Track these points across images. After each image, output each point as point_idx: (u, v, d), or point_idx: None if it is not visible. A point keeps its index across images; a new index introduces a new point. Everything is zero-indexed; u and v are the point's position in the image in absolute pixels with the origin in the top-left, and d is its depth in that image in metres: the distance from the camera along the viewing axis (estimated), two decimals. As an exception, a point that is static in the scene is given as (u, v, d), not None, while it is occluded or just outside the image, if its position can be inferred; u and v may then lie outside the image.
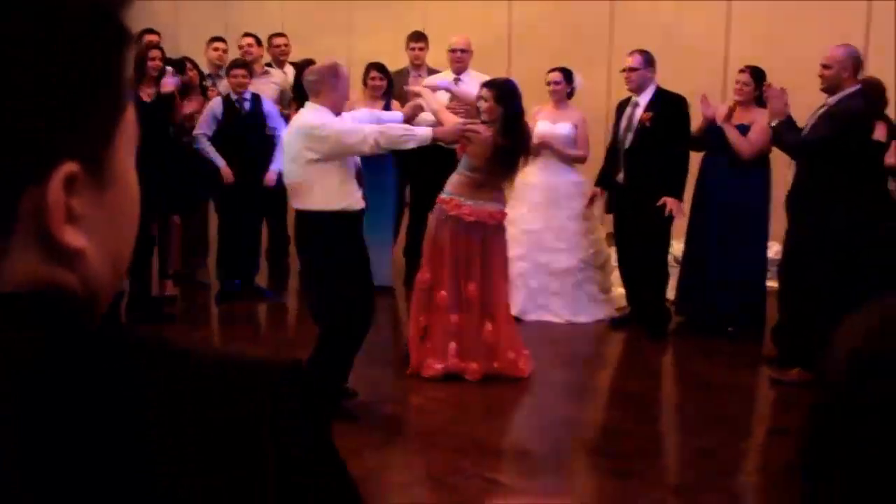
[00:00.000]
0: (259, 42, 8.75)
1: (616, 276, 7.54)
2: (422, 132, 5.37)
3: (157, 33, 8.09)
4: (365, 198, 5.30)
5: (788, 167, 6.30)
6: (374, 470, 4.65)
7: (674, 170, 6.81)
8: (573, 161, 7.50)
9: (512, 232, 6.70)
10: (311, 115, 5.09)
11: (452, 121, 5.87)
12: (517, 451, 5.10)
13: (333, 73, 5.11)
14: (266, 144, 7.70)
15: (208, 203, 8.28)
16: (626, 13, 9.36)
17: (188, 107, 7.56)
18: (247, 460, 0.75)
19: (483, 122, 5.80)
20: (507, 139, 5.76)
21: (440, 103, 6.27)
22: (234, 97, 7.71)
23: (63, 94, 0.71)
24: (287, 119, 6.99)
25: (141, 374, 0.73)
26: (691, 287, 7.15)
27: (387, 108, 7.30)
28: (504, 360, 6.01)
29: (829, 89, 5.90)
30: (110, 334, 0.75)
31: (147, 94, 7.08)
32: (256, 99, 7.79)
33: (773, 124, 6.06)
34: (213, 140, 7.59)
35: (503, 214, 6.06)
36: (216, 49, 8.78)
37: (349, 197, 5.16)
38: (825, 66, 5.89)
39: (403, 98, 7.12)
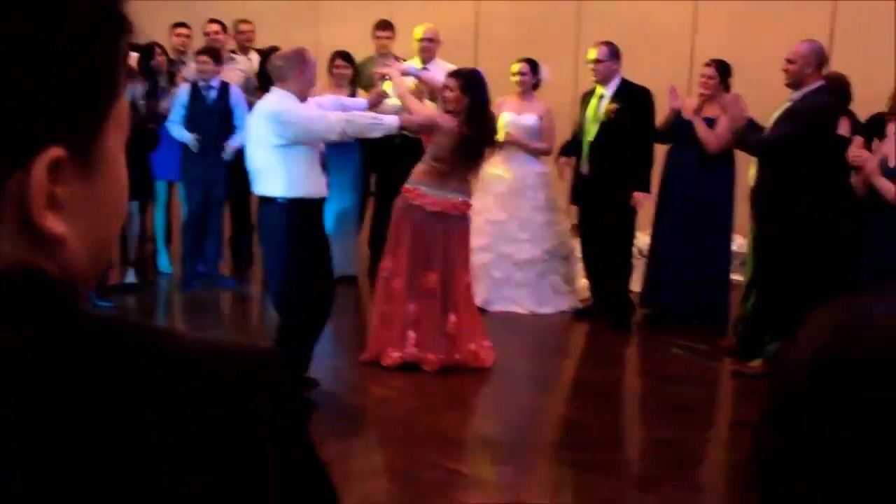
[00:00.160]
0: (225, 29, 8.67)
1: (580, 267, 7.55)
2: (389, 120, 5.35)
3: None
4: (328, 186, 5.27)
5: (752, 162, 6.33)
6: (335, 460, 4.62)
7: (639, 163, 6.84)
8: (538, 154, 7.50)
9: (477, 222, 6.70)
10: (277, 100, 5.05)
11: (418, 107, 5.85)
12: (479, 441, 5.10)
13: (301, 59, 5.07)
14: (230, 133, 7.65)
15: (173, 190, 8.21)
16: (592, 6, 9.37)
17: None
18: (247, 460, 0.75)
19: (448, 112, 5.79)
20: (472, 129, 5.75)
21: (407, 88, 6.25)
22: (201, 84, 7.66)
23: (53, 78, 0.69)
24: (251, 107, 6.94)
25: (141, 373, 0.73)
26: (656, 280, 7.18)
27: (352, 96, 7.25)
28: (465, 352, 6.00)
29: (793, 84, 5.94)
30: (110, 333, 0.74)
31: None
32: (224, 89, 7.73)
33: (735, 130, 6.11)
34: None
35: (467, 206, 6.04)
36: (179, 35, 8.67)
37: (313, 184, 5.13)
38: (789, 61, 5.93)
39: (371, 85, 7.09)
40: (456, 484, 4.47)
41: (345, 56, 7.80)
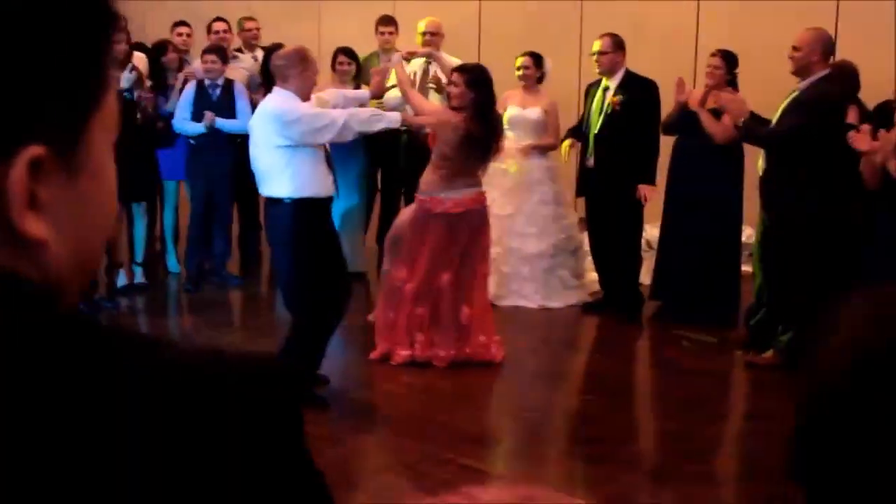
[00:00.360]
0: (230, 27, 8.66)
1: (589, 261, 7.53)
2: (391, 115, 5.34)
3: (123, 17, 7.98)
4: (335, 184, 5.25)
5: (760, 152, 6.30)
6: (347, 456, 4.62)
7: (645, 155, 6.80)
8: (544, 149, 7.47)
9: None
10: (279, 100, 5.03)
11: (420, 100, 5.82)
12: (490, 436, 5.09)
13: (302, 58, 5.05)
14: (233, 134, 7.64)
15: (181, 189, 8.20)
16: (596, -1, 9.36)
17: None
18: (233, 474, 0.71)
19: (453, 108, 5.75)
20: (477, 125, 5.71)
21: (412, 83, 6.23)
22: (207, 83, 7.65)
23: (33, 72, 0.66)
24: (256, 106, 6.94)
25: (133, 384, 0.69)
26: (665, 272, 7.14)
27: (356, 91, 7.25)
28: (475, 344, 5.97)
29: (799, 72, 5.90)
30: (91, 342, 0.71)
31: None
32: (228, 88, 7.71)
33: (739, 124, 6.07)
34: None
35: (484, 196, 6.00)
36: (180, 34, 8.66)
37: (319, 184, 5.10)
38: (795, 49, 5.89)
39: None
40: (468, 479, 4.45)
41: (348, 52, 7.78)
